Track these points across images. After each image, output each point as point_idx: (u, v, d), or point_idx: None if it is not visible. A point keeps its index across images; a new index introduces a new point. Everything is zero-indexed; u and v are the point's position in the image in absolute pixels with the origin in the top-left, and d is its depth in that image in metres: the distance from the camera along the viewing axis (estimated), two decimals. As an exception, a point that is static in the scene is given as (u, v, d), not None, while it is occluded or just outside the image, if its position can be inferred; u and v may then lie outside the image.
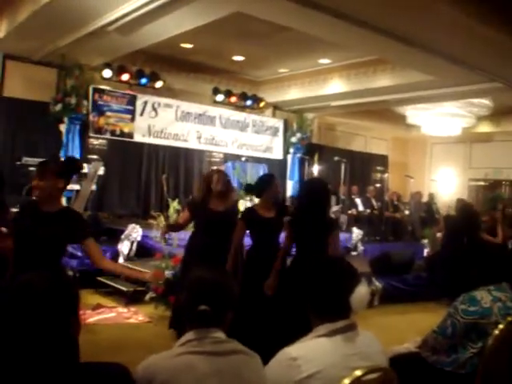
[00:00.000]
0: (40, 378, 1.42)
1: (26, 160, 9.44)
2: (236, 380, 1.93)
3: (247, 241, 5.40)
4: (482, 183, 17.17)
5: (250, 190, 5.78)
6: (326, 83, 12.20)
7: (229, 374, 1.98)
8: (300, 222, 4.69)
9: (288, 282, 4.45)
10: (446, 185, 17.12)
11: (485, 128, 15.76)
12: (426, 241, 11.72)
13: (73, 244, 3.92)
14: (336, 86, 12.01)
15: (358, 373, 2.08)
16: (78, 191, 9.08)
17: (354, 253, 10.64)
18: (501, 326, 3.03)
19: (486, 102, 13.18)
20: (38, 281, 1.60)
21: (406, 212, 14.33)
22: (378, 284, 8.32)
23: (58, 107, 10.31)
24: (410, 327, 6.66)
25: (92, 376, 1.53)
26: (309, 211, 4.63)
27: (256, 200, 6.12)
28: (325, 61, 11.64)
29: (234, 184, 11.20)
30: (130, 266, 8.18)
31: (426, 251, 11.18)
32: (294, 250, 4.87)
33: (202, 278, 2.11)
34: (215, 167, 12.22)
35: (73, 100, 10.32)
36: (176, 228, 6.01)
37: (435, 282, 8.59)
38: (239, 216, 5.41)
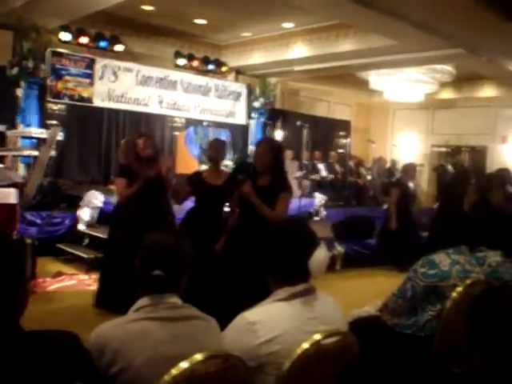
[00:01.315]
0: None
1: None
2: (192, 345, 1.89)
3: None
4: (444, 149, 17.34)
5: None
6: (289, 48, 12.08)
7: (185, 339, 1.94)
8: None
9: (239, 244, 4.42)
10: (408, 151, 17.27)
11: (447, 94, 15.88)
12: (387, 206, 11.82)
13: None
14: (299, 50, 11.90)
15: (317, 337, 2.06)
16: (36, 157, 8.86)
17: (316, 218, 10.67)
18: (459, 289, 3.05)
19: (448, 68, 13.23)
20: None
21: (369, 177, 14.43)
22: (340, 248, 8.40)
23: (15, 71, 9.99)
24: (370, 291, 6.73)
25: (38, 345, 1.47)
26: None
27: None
28: (288, 25, 11.50)
29: (197, 149, 11.12)
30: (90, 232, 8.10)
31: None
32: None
33: (156, 242, 2.05)
34: (177, 132, 12.11)
35: (30, 63, 10.00)
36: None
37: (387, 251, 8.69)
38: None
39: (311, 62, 12.19)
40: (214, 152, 5.25)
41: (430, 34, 9.02)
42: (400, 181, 9.34)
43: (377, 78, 14.31)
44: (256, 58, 12.89)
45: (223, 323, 2.19)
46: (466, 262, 3.21)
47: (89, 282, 6.88)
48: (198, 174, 5.39)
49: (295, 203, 8.80)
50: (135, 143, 5.42)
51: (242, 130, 13.94)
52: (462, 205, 7.38)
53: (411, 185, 9.81)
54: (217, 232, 4.76)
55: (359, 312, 3.53)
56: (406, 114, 17.96)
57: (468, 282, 3.09)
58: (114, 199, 8.24)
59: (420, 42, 9.61)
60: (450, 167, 14.00)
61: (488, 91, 15.16)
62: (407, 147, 17.47)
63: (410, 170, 9.30)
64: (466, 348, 1.22)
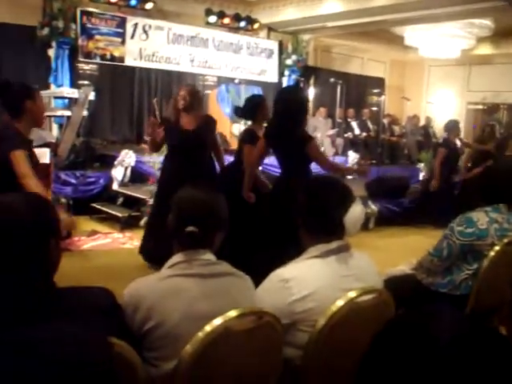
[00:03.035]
0: (11, 301, 1.35)
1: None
2: (226, 302, 1.88)
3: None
4: (481, 107, 16.95)
5: (239, 113, 5.59)
6: (321, 2, 11.80)
7: (219, 296, 1.93)
8: (273, 136, 4.42)
9: (275, 203, 4.37)
10: (443, 108, 16.92)
11: (484, 50, 15.42)
12: (421, 165, 11.66)
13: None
14: (332, 5, 11.62)
15: (352, 294, 2.04)
16: (68, 117, 8.90)
17: (349, 176, 10.59)
18: (496, 248, 3.00)
19: (487, 22, 12.80)
20: (17, 201, 1.52)
21: (404, 136, 14.23)
22: (373, 207, 8.32)
23: (45, 31, 9.98)
24: (405, 250, 6.68)
25: (72, 300, 1.47)
26: (282, 124, 4.31)
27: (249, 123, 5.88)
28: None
29: (228, 107, 11.03)
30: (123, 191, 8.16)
31: (421, 175, 11.14)
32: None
33: (189, 197, 2.03)
34: (209, 91, 12.01)
35: (60, 23, 9.98)
36: (156, 147, 5.62)
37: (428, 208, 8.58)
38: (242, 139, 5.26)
39: (344, 17, 11.90)
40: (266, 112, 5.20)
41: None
42: (447, 141, 9.01)
43: (412, 34, 13.95)
44: (288, 13, 12.64)
45: (257, 280, 2.18)
46: (504, 220, 3.15)
47: (123, 240, 6.96)
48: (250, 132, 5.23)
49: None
50: (176, 96, 5.37)
51: (274, 88, 13.78)
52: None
53: (458, 143, 9.56)
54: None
55: (394, 271, 3.51)
56: (441, 71, 17.55)
57: (506, 240, 3.03)
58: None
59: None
60: (497, 126, 13.53)
61: (528, 46, 14.69)
62: (442, 105, 17.11)
63: (454, 127, 9.00)
64: (511, 308, 1.19)
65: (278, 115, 4.40)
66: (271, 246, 4.14)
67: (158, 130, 5.24)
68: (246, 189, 4.64)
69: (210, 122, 5.40)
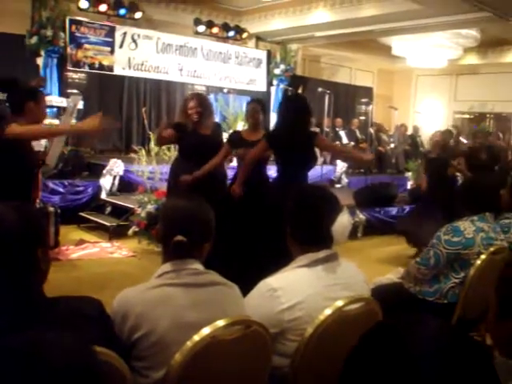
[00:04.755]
0: (2, 310, 1.36)
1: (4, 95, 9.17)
2: (214, 312, 1.89)
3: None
4: (467, 116, 17.10)
5: None
6: (310, 12, 11.88)
7: (207, 305, 1.93)
8: (282, 140, 4.52)
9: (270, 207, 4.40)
10: (430, 117, 17.04)
11: (471, 60, 15.57)
12: (409, 173, 11.73)
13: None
14: (320, 15, 11.70)
15: (340, 303, 2.06)
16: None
17: (338, 185, 10.64)
18: (483, 257, 3.02)
19: (473, 32, 12.94)
20: (5, 210, 1.52)
21: (392, 145, 14.31)
22: (361, 216, 8.35)
23: (34, 40, 9.96)
24: (393, 259, 6.73)
25: (61, 311, 1.47)
26: (292, 129, 4.47)
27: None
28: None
29: (217, 116, 11.05)
30: (111, 200, 8.14)
31: (409, 184, 11.21)
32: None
33: (178, 207, 2.04)
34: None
35: (49, 32, 9.97)
36: (162, 141, 5.76)
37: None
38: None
39: (333, 27, 11.98)
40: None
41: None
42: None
43: (399, 44, 14.07)
44: (276, 23, 12.71)
45: (245, 289, 2.18)
46: (491, 229, 3.18)
47: (111, 249, 6.93)
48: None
49: (317, 170, 8.77)
50: (186, 104, 5.40)
51: (263, 97, 13.81)
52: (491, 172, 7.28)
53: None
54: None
55: (382, 279, 3.52)
56: (428, 80, 17.69)
57: (492, 249, 3.06)
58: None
59: (444, 5, 9.40)
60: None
61: (514, 56, 14.84)
62: (430, 114, 17.24)
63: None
64: (496, 316, 1.20)
65: (288, 119, 4.55)
66: (258, 254, 4.16)
67: (167, 131, 5.33)
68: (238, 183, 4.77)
69: (218, 128, 5.58)
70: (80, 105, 9.14)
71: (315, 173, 7.43)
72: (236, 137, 5.22)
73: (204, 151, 5.13)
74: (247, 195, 4.77)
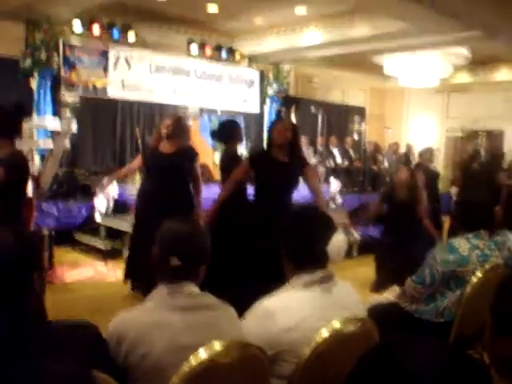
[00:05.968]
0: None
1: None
2: (210, 335, 1.87)
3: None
4: (460, 134, 17.18)
5: (215, 135, 5.77)
6: (302, 33, 11.95)
7: (203, 328, 1.93)
8: (264, 161, 4.53)
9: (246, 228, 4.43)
10: (423, 135, 17.12)
11: (462, 78, 15.68)
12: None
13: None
14: (313, 36, 11.77)
15: (336, 324, 2.05)
16: (51, 150, 8.87)
17: (332, 205, 10.62)
18: (479, 274, 3.02)
19: (463, 51, 13.04)
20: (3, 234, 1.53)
21: (386, 164, 14.34)
22: (356, 235, 8.35)
23: (28, 62, 9.98)
24: (388, 277, 6.69)
25: (57, 335, 1.47)
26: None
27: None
28: (301, 9, 11.36)
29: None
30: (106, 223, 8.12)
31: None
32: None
33: (173, 230, 2.04)
34: (191, 121, 12.07)
35: (42, 55, 9.98)
36: (118, 175, 6.20)
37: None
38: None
39: (325, 48, 12.06)
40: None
41: (444, 16, 8.88)
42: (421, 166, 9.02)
43: (390, 63, 14.15)
44: (269, 44, 12.76)
45: (240, 309, 2.17)
46: (486, 246, 3.18)
47: (106, 271, 6.90)
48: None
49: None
50: (163, 124, 5.47)
51: (256, 118, 13.87)
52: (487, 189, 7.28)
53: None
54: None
55: (378, 298, 3.52)
56: (420, 99, 17.77)
57: (487, 266, 3.06)
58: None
59: (435, 24, 9.48)
60: (483, 152, 13.60)
61: (504, 74, 14.94)
62: (422, 132, 17.32)
63: (426, 152, 9.15)
64: (491, 334, 1.20)
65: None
66: (256, 275, 4.15)
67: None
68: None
69: (189, 151, 5.49)
70: (74, 127, 9.17)
71: (308, 193, 7.39)
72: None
73: (163, 169, 5.21)
74: (233, 217, 4.79)
